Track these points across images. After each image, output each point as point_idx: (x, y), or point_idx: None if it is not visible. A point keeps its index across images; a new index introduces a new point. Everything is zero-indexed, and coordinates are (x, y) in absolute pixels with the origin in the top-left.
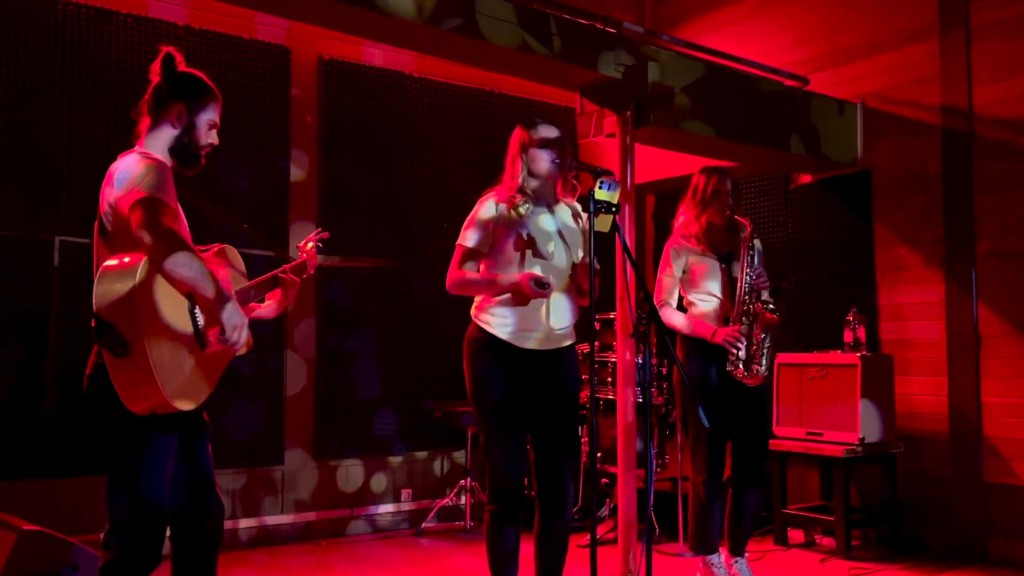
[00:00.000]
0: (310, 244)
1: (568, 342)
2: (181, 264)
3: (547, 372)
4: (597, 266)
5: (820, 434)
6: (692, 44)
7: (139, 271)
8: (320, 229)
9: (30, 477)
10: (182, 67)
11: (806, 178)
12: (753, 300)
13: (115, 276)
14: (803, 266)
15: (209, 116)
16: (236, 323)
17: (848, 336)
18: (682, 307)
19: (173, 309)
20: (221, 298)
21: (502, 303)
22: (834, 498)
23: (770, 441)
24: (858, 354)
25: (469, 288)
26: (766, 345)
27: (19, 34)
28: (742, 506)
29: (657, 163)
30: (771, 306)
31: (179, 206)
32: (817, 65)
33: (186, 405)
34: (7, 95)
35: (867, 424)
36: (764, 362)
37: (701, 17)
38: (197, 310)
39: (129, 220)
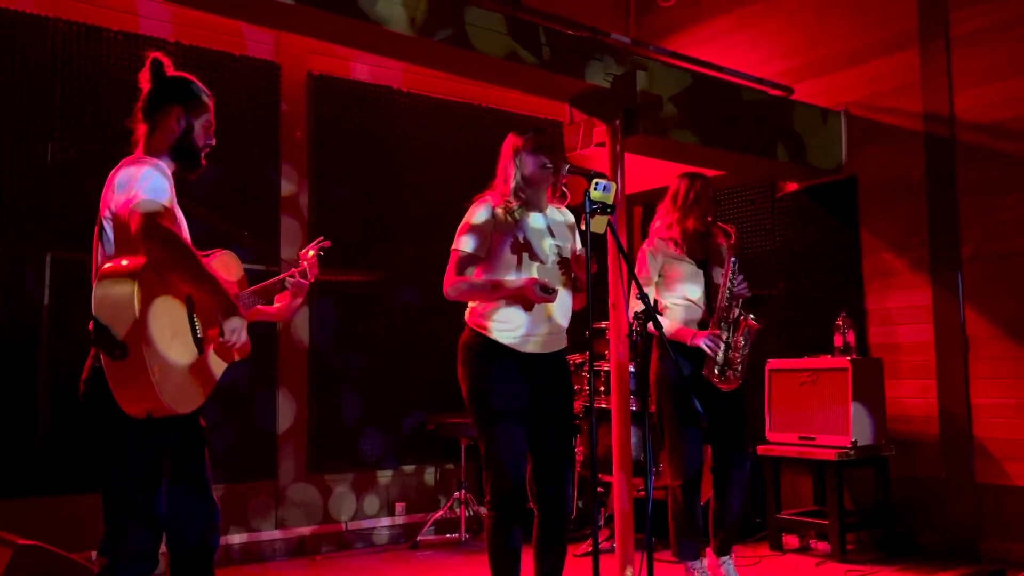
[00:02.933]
0: (311, 252)
1: (563, 346)
2: (180, 266)
3: (545, 376)
4: (594, 266)
5: (812, 438)
6: (679, 55)
7: (138, 273)
8: (322, 238)
9: (24, 495)
10: (171, 71)
11: (792, 186)
12: (733, 307)
13: (114, 278)
14: (791, 273)
15: (205, 117)
16: (235, 326)
17: (838, 340)
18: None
19: (171, 312)
20: (223, 300)
21: (502, 307)
22: (827, 502)
23: (763, 447)
24: (848, 358)
25: (470, 294)
26: (744, 352)
27: (10, 51)
28: (724, 506)
29: (644, 174)
30: (751, 315)
31: (179, 210)
32: (800, 75)
33: (182, 408)
34: None
35: (859, 427)
36: (740, 368)
37: (684, 32)
38: (196, 314)
39: (129, 223)
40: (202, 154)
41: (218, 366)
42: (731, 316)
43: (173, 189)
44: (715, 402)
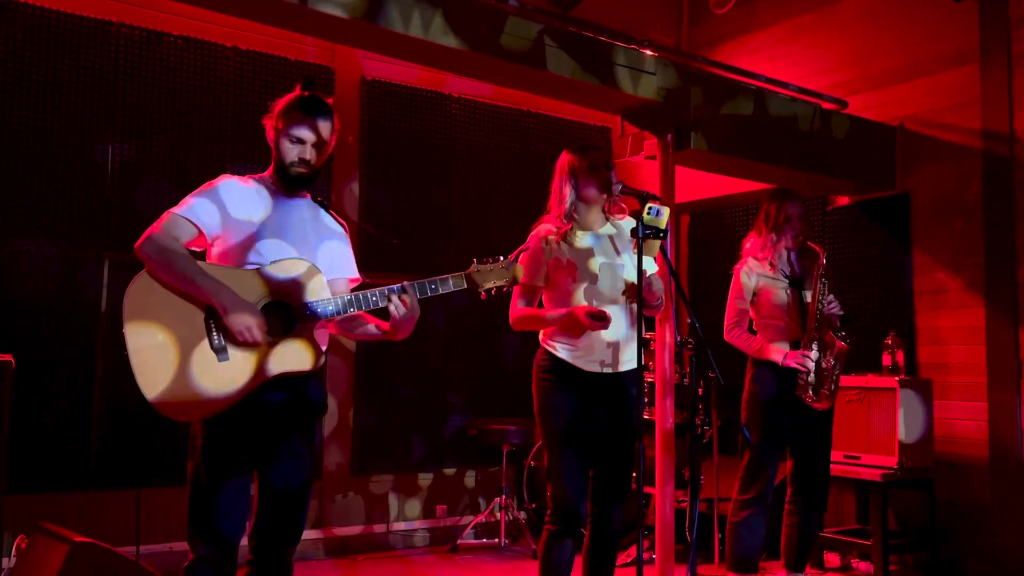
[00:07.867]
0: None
1: (632, 365)
2: (163, 270)
3: (610, 395)
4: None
5: (858, 457)
6: (732, 67)
7: (130, 288)
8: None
9: (83, 489)
10: (313, 91)
11: (843, 200)
12: (824, 327)
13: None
14: (840, 288)
15: (293, 132)
16: (242, 325)
17: (887, 359)
18: (751, 329)
19: (176, 322)
20: (221, 300)
21: (565, 329)
22: (871, 523)
23: None
24: (897, 378)
25: (526, 324)
26: (836, 372)
27: (75, 54)
28: (805, 525)
29: (692, 183)
30: (842, 334)
31: (253, 227)
32: (854, 88)
33: (190, 416)
34: (62, 114)
35: (905, 448)
36: (832, 388)
37: (735, 41)
38: (212, 320)
39: None
40: (290, 171)
41: (258, 372)
42: (823, 336)
43: (232, 201)
44: (803, 423)
